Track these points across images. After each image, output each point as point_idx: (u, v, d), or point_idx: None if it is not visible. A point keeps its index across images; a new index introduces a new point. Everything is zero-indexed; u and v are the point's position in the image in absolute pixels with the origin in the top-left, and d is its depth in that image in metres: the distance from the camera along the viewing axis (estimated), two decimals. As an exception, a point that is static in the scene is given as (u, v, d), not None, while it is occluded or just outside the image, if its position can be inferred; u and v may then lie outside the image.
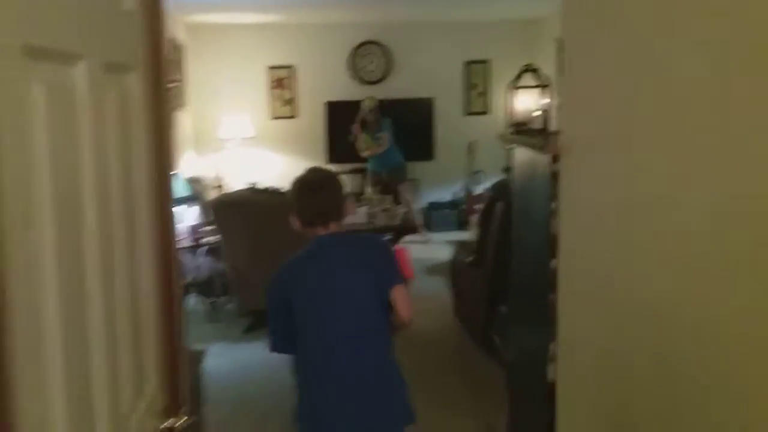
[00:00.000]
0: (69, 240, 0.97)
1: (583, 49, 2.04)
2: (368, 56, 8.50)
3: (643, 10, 1.67)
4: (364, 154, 7.55)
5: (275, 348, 2.37)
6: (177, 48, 7.24)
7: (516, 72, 8.50)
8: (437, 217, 8.13)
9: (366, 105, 7.39)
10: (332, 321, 2.26)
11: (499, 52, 8.64)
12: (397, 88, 8.41)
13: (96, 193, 1.08)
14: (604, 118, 1.89)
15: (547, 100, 6.94)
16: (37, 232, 0.86)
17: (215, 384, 4.25)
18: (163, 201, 1.52)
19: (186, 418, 1.50)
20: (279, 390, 3.90)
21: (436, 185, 8.61)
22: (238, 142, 7.98)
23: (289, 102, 8.45)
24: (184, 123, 7.68)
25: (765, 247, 1.24)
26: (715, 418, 1.42)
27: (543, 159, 2.31)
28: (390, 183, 7.54)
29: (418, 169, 8.15)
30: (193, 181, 6.43)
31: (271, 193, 4.73)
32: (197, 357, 3.48)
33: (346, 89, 8.40)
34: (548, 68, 8.01)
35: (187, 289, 5.33)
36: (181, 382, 1.58)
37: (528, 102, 7.57)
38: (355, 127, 7.47)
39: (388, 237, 6.35)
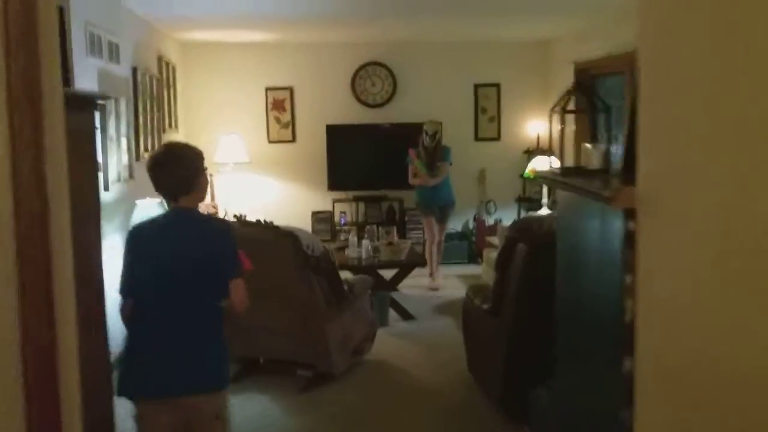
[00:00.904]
0: None
1: (667, 66, 1.50)
2: (371, 78, 8.05)
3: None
4: (413, 181, 6.86)
5: (122, 309, 2.56)
6: (168, 66, 6.77)
7: (527, 95, 8.05)
8: (447, 249, 7.57)
9: (426, 128, 6.75)
10: (161, 290, 2.47)
11: (509, 74, 8.19)
12: (402, 111, 7.93)
13: None
14: (705, 157, 1.34)
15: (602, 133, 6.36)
16: None
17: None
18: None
19: None
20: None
21: (444, 215, 8.07)
22: (234, 167, 7.49)
23: (288, 125, 7.98)
24: (175, 147, 7.18)
25: None
26: None
27: (608, 212, 1.73)
28: (440, 219, 6.82)
29: (423, 197, 7.63)
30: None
31: (262, 226, 4.20)
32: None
33: (348, 112, 7.94)
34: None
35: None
36: None
37: (560, 130, 7.05)
38: (412, 152, 6.81)
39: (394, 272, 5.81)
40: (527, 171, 6.96)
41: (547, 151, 7.78)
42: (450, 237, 7.75)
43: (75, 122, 2.38)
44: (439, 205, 6.76)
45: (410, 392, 4.35)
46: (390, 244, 5.84)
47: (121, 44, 5.04)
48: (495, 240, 6.76)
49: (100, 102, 3.56)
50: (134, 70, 5.37)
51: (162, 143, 6.19)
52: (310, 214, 8.00)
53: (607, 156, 2.06)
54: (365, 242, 5.90)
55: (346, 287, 4.40)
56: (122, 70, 5.07)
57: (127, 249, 2.57)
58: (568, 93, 2.44)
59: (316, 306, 4.08)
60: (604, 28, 6.70)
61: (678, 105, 1.45)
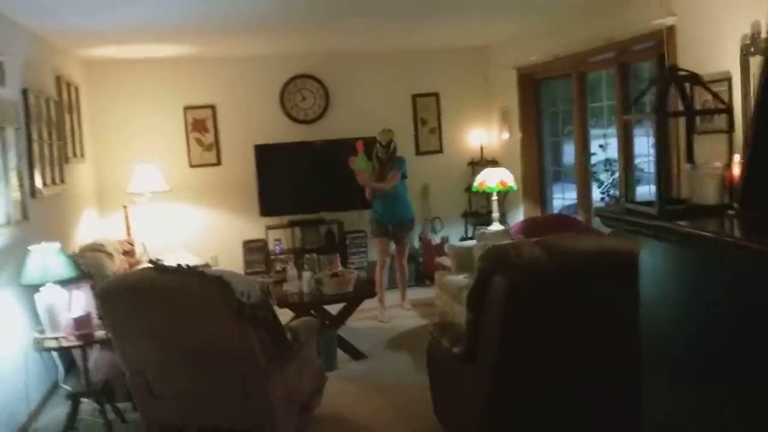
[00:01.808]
0: None
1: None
2: (301, 92, 7.43)
3: None
4: (368, 193, 6.22)
5: None
6: (69, 87, 5.96)
7: (468, 103, 7.59)
8: (392, 273, 6.98)
9: (380, 138, 6.13)
10: None
11: (448, 83, 7.72)
12: (336, 126, 7.33)
13: None
14: None
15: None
16: None
17: None
18: None
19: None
20: None
21: (386, 236, 7.48)
22: (151, 196, 6.71)
23: (211, 147, 7.26)
24: (83, 177, 6.36)
25: None
26: None
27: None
28: (399, 239, 6.27)
29: (364, 218, 7.02)
30: (91, 250, 5.10)
31: (184, 272, 3.51)
32: None
33: (278, 130, 7.29)
34: (508, 100, 7.10)
35: (76, 398, 4.01)
36: None
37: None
38: (351, 159, 6.24)
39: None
40: (475, 185, 6.45)
41: (494, 163, 7.35)
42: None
43: None
44: (395, 222, 6.20)
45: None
46: (335, 275, 5.20)
47: (7, 62, 4.25)
48: (446, 261, 6.22)
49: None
50: (25, 92, 4.58)
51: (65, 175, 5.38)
52: (241, 243, 7.28)
53: (723, 183, 1.48)
54: (306, 274, 5.25)
55: (289, 335, 3.74)
56: (9, 93, 4.28)
57: None
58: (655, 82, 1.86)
59: (254, 362, 3.41)
60: (546, 31, 6.30)
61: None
